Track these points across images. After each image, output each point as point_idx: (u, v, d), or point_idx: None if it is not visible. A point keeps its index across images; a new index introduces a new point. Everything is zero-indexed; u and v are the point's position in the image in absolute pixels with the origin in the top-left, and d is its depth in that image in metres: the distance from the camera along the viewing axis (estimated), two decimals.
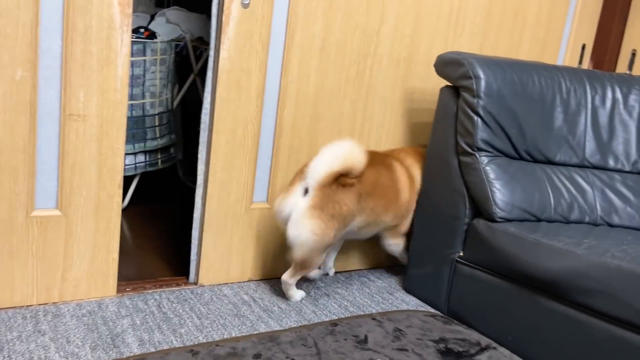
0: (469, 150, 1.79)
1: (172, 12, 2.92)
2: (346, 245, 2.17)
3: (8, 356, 1.36)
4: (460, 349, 1.65)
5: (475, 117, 1.77)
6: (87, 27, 1.53)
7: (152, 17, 3.02)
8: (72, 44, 1.52)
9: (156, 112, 2.58)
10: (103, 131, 1.61)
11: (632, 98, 1.94)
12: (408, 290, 2.06)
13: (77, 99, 1.56)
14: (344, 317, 1.80)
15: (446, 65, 1.86)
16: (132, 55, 2.42)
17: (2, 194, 1.51)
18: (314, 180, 1.66)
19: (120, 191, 1.68)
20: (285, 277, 1.82)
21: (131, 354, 1.44)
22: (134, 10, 3.15)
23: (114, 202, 1.68)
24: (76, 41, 1.52)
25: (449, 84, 1.91)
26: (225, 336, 1.59)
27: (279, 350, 1.53)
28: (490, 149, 1.78)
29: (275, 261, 2.03)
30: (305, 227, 1.66)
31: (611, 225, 1.83)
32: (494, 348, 1.67)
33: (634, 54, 2.53)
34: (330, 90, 1.98)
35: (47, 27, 1.49)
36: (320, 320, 1.76)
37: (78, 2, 1.50)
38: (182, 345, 1.51)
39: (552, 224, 1.75)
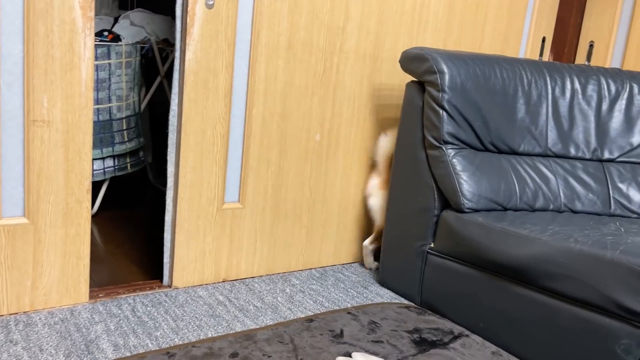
0: (436, 143, 1.82)
1: (136, 15, 2.89)
2: (319, 241, 2.20)
3: None
4: (434, 338, 1.69)
5: (441, 111, 1.81)
6: (48, 31, 1.51)
7: (116, 20, 2.98)
8: (34, 48, 1.50)
9: (123, 116, 2.56)
10: (69, 136, 1.59)
11: (590, 88, 2.00)
12: (382, 283, 2.10)
13: (41, 104, 1.53)
14: (319, 312, 1.82)
15: (411, 60, 1.89)
16: (97, 58, 2.38)
17: None
18: (378, 164, 2.19)
19: (89, 196, 1.66)
20: (367, 242, 2.22)
21: None
22: (97, 13, 3.11)
23: (83, 208, 1.66)
24: (38, 46, 1.50)
25: (414, 79, 1.94)
26: (201, 337, 1.59)
27: (256, 348, 1.54)
28: (456, 142, 1.82)
29: (249, 261, 2.04)
30: (378, 197, 2.17)
31: (574, 212, 1.89)
32: (467, 335, 1.71)
33: (591, 46, 2.62)
34: (298, 88, 1.99)
35: (7, 32, 1.46)
36: (296, 317, 1.77)
37: (38, 6, 1.48)
38: (157, 348, 1.51)
39: (518, 213, 1.80)
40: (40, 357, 1.41)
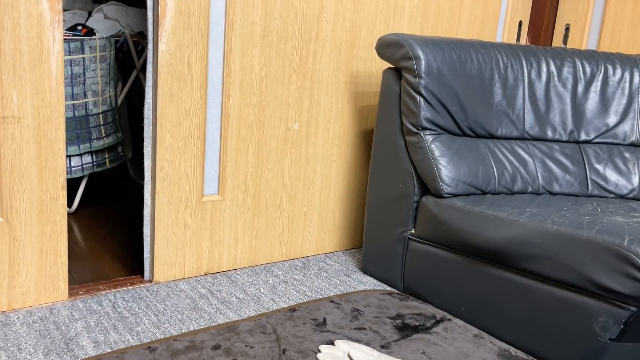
0: (414, 129, 1.82)
1: (110, 8, 2.84)
2: (301, 231, 2.19)
3: None
4: (417, 323, 1.70)
5: (418, 97, 1.80)
6: (15, 25, 1.47)
7: (90, 14, 2.93)
8: (1, 43, 1.46)
9: (100, 111, 2.52)
10: (41, 132, 1.56)
11: (566, 70, 2.01)
12: (365, 271, 2.10)
13: (11, 100, 1.50)
14: (302, 302, 1.82)
15: (387, 47, 1.89)
16: (71, 53, 2.34)
17: None
18: None
19: (64, 193, 1.64)
20: None
21: (86, 356, 1.42)
22: (71, 8, 3.05)
23: (59, 205, 1.63)
24: (5, 40, 1.47)
25: (391, 65, 1.94)
26: (183, 331, 1.58)
27: (238, 340, 1.54)
28: (434, 128, 1.83)
29: (231, 253, 2.03)
30: None
31: (552, 194, 1.91)
32: (449, 320, 1.73)
33: (567, 28, 2.63)
34: (274, 78, 1.98)
35: None
36: (279, 307, 1.77)
37: (4, 0, 1.44)
38: (139, 343, 1.50)
39: (497, 196, 1.81)
40: (18, 357, 1.39)
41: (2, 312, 1.60)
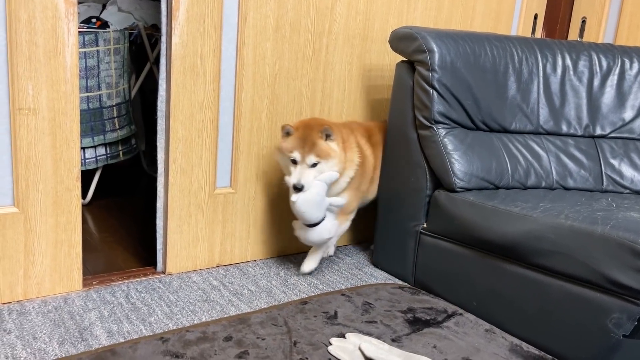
0: (427, 123, 1.81)
1: (124, 0, 2.85)
2: None
3: None
4: (428, 317, 1.70)
5: (431, 91, 1.79)
6: (31, 17, 1.49)
7: (104, 7, 2.95)
8: (17, 35, 1.48)
9: (114, 103, 2.54)
10: (56, 124, 1.58)
11: (581, 64, 1.99)
12: (376, 264, 2.10)
13: (26, 92, 1.52)
14: (313, 295, 1.83)
15: (400, 40, 1.87)
16: (85, 46, 2.36)
17: None
18: None
19: (79, 184, 1.65)
20: None
21: (100, 346, 1.44)
22: (85, 0, 3.07)
23: (73, 196, 1.65)
24: (20, 32, 1.48)
25: (404, 59, 1.92)
26: (195, 322, 1.60)
27: (250, 332, 1.55)
28: (447, 121, 1.81)
29: (243, 245, 2.04)
30: None
31: (566, 189, 1.89)
32: (460, 314, 1.72)
33: (584, 22, 2.59)
34: (287, 71, 1.97)
35: None
36: (290, 300, 1.78)
37: None
38: (151, 334, 1.51)
39: (510, 191, 1.80)
40: (34, 345, 1.41)
41: (17, 301, 1.62)
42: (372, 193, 2.07)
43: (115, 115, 2.55)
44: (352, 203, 1.93)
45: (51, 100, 1.55)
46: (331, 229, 1.86)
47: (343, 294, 1.82)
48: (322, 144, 1.74)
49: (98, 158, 2.53)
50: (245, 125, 1.93)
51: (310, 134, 1.74)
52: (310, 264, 1.98)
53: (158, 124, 1.80)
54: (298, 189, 1.72)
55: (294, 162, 1.75)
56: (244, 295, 1.79)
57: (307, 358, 1.43)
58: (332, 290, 1.88)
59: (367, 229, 2.34)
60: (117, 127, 2.56)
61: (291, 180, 1.74)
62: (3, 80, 1.49)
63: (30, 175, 1.57)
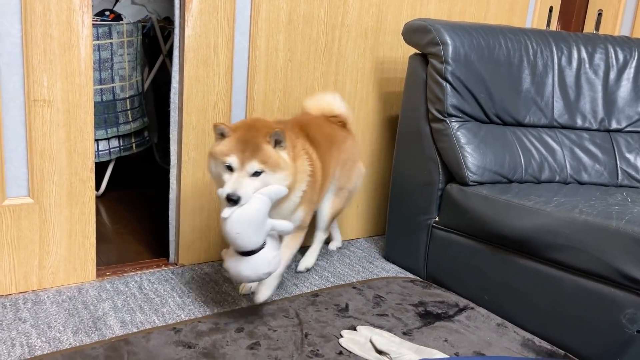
0: (440, 116, 1.80)
1: None
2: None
3: None
4: (439, 311, 1.69)
5: (444, 83, 1.78)
6: (46, 10, 1.50)
7: None
8: (32, 27, 1.49)
9: (127, 96, 2.55)
10: (70, 116, 1.59)
11: (597, 57, 1.96)
12: (387, 258, 2.10)
13: (41, 84, 1.53)
14: (324, 287, 1.83)
15: (414, 32, 1.86)
16: (99, 38, 2.37)
17: None
18: None
19: (93, 175, 1.67)
20: None
21: (113, 336, 1.45)
22: None
23: (87, 187, 1.67)
24: (36, 25, 1.49)
25: (417, 51, 1.91)
26: (207, 313, 1.61)
27: (262, 323, 1.56)
28: (460, 114, 1.80)
29: None
30: None
31: (581, 183, 1.87)
32: (472, 308, 1.72)
33: (600, 14, 2.56)
34: (299, 63, 1.97)
35: (4, 12, 1.45)
36: (301, 292, 1.78)
37: None
38: (164, 324, 1.53)
39: (523, 185, 1.79)
40: (48, 334, 1.43)
41: (32, 290, 1.64)
42: (320, 202, 1.81)
43: (128, 107, 2.56)
44: (307, 218, 1.65)
45: (66, 92, 1.57)
46: (272, 261, 1.44)
47: (354, 287, 1.83)
48: (269, 150, 1.41)
49: (111, 150, 2.55)
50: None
51: (253, 137, 1.41)
52: (265, 291, 1.61)
53: (171, 116, 1.81)
54: (233, 200, 1.35)
55: (230, 168, 1.40)
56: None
57: (318, 350, 1.44)
58: (343, 283, 1.88)
59: (379, 223, 2.34)
60: (130, 119, 2.58)
61: (224, 190, 1.37)
62: (18, 72, 1.50)
63: (45, 167, 1.58)
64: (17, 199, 1.57)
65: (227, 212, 1.37)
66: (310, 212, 1.67)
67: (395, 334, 1.52)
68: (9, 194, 1.56)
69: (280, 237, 1.58)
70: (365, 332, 1.52)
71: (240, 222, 1.37)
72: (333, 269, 1.99)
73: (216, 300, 1.69)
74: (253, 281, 1.51)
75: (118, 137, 2.56)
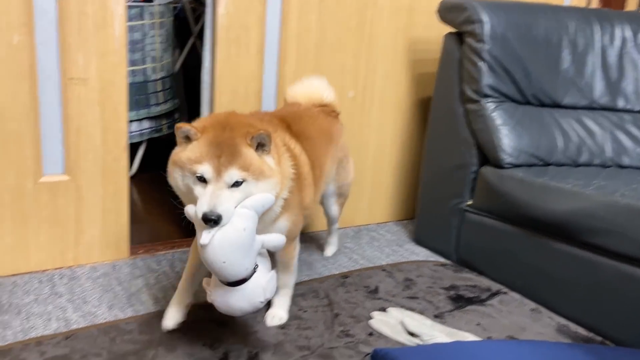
0: (475, 97, 1.76)
1: None
2: (353, 200, 2.18)
3: (26, 318, 1.39)
4: (471, 295, 1.67)
5: (481, 63, 1.73)
6: None
7: None
8: (67, 5, 1.50)
9: (158, 77, 2.56)
10: (105, 94, 1.60)
11: None
12: (418, 241, 2.07)
13: (76, 62, 1.54)
14: (354, 269, 1.82)
15: (449, 10, 1.82)
16: (130, 19, 2.38)
17: (10, 161, 1.52)
18: None
19: (126, 154, 1.68)
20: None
21: (147, 312, 1.47)
22: None
23: (121, 166, 1.68)
24: (71, 3, 1.50)
25: (452, 30, 1.87)
26: None
27: (292, 303, 1.56)
28: (496, 95, 1.76)
29: None
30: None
31: (621, 167, 1.81)
32: (505, 293, 1.69)
33: None
34: (331, 44, 1.94)
35: None
36: (330, 274, 1.77)
37: None
38: (195, 302, 1.54)
39: (561, 168, 1.73)
40: (84, 309, 1.46)
41: (68, 267, 1.68)
42: (315, 203, 1.53)
43: (159, 89, 2.58)
44: (298, 225, 1.39)
45: (100, 71, 1.58)
46: (267, 286, 1.17)
47: (384, 270, 1.81)
48: (251, 154, 1.14)
49: (142, 131, 2.57)
50: None
51: (230, 138, 1.14)
52: (280, 313, 1.45)
53: (202, 96, 1.81)
54: (212, 221, 1.08)
55: (202, 180, 1.12)
56: None
57: (348, 330, 1.43)
58: (372, 265, 1.86)
59: (408, 207, 2.31)
60: (162, 100, 2.60)
61: (199, 208, 1.09)
62: (54, 50, 1.51)
63: (80, 145, 1.60)
64: (53, 176, 1.60)
65: (206, 237, 1.08)
66: (301, 217, 1.39)
67: (426, 317, 1.50)
68: (46, 171, 1.58)
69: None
70: (395, 314, 1.51)
71: (225, 249, 1.09)
72: (362, 252, 1.97)
73: None
74: (249, 313, 1.20)
75: (149, 118, 2.59)
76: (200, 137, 1.15)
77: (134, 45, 2.43)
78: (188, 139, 1.17)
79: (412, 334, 1.40)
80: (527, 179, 1.62)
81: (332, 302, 1.58)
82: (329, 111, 1.65)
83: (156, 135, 2.63)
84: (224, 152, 1.12)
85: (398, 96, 2.15)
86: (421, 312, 1.54)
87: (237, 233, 1.10)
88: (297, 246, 1.45)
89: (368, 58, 2.04)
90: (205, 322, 1.42)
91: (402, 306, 1.57)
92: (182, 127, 1.16)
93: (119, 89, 1.61)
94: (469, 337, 1.40)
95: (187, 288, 1.38)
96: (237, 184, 1.12)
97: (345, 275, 1.75)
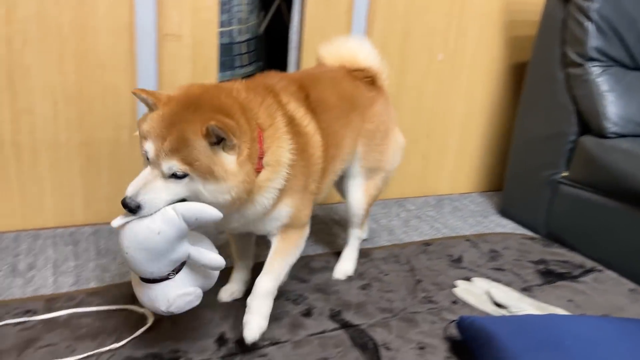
0: (579, 60, 1.63)
1: None
2: (436, 168, 2.11)
3: (122, 262, 1.46)
4: (562, 271, 1.58)
5: (588, 23, 1.60)
6: None
7: None
8: None
9: (243, 39, 2.58)
10: (197, 52, 1.63)
11: None
12: (503, 214, 1.99)
13: (172, 19, 1.57)
14: (436, 237, 1.78)
15: None
16: None
17: (107, 114, 1.59)
18: None
19: None
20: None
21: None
22: None
23: None
24: None
25: None
26: (318, 252, 1.62)
27: (373, 266, 1.55)
28: (603, 59, 1.62)
29: None
30: None
31: None
32: (600, 270, 1.59)
33: None
34: (420, 5, 1.86)
35: None
36: (412, 241, 1.74)
37: None
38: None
39: None
40: None
41: None
42: (327, 187, 1.30)
43: (244, 51, 2.60)
44: (303, 210, 1.18)
45: (193, 28, 1.60)
46: (174, 301, 1.03)
47: (468, 240, 1.76)
48: (201, 147, 0.95)
49: None
50: None
51: (184, 120, 0.95)
52: (255, 325, 1.13)
53: (290, 56, 1.81)
54: (129, 208, 0.95)
55: (147, 158, 0.98)
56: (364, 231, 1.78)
57: (432, 297, 1.40)
58: (455, 235, 1.81)
59: (495, 177, 2.21)
60: (246, 63, 2.62)
61: (127, 189, 0.96)
62: (151, 7, 1.55)
63: None
64: None
65: (117, 220, 0.97)
66: (307, 202, 1.18)
67: (513, 289, 1.44)
68: None
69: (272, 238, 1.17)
70: (481, 284, 1.46)
71: (131, 242, 0.97)
72: (444, 221, 1.92)
73: (326, 240, 1.70)
74: (155, 312, 1.07)
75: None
76: (159, 108, 0.97)
77: (222, 7, 2.44)
78: (150, 107, 1.00)
79: (498, 305, 1.36)
80: (634, 150, 1.50)
81: (414, 268, 1.55)
82: (361, 76, 1.40)
83: None
84: (171, 136, 0.94)
85: (490, 60, 2.04)
86: (508, 284, 1.48)
87: (148, 233, 0.95)
88: (303, 234, 1.20)
89: (459, 19, 1.94)
90: (287, 278, 1.44)
91: (488, 277, 1.51)
92: (140, 94, 0.98)
93: (210, 46, 1.64)
94: (561, 312, 1.33)
95: (240, 266, 1.35)
96: (176, 177, 0.95)
97: (427, 243, 1.71)
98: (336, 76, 1.35)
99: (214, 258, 1.03)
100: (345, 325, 1.26)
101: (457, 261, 1.61)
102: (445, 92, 2.01)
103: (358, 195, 1.43)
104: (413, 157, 2.06)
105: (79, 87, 1.53)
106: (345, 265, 1.49)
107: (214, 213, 0.98)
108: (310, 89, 1.23)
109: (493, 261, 1.62)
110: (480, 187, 2.22)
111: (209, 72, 1.66)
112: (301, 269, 1.48)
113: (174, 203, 0.97)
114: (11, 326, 1.16)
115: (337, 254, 1.58)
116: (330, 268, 1.49)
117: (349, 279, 1.46)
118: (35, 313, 1.21)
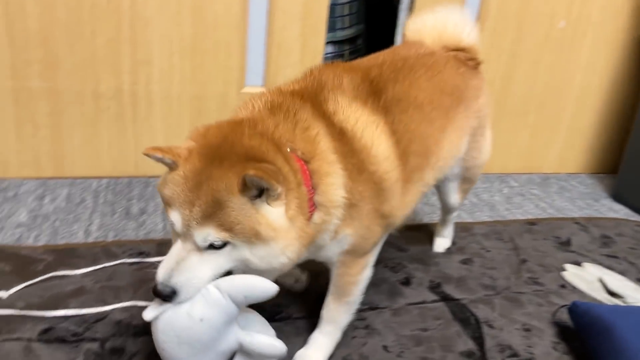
0: None
1: None
2: (544, 144, 1.99)
3: None
4: None
5: None
6: None
7: None
8: None
9: (345, 1, 2.53)
10: (307, 9, 1.61)
11: None
12: (617, 198, 1.85)
13: None
14: (541, 217, 1.69)
15: None
16: None
17: (218, 69, 1.61)
18: None
19: None
20: None
21: None
22: None
23: None
24: None
25: None
26: (416, 223, 1.59)
27: (474, 241, 1.49)
28: None
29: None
30: None
31: None
32: None
33: None
34: None
35: None
36: (515, 218, 1.66)
37: None
38: None
39: None
40: None
41: None
42: (408, 208, 1.05)
43: (345, 13, 2.54)
44: (370, 238, 0.97)
45: None
46: None
47: (577, 222, 1.65)
48: (240, 206, 0.77)
49: (325, 56, 2.58)
50: (489, 25, 1.76)
51: (212, 179, 0.78)
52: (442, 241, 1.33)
53: (399, 18, 1.74)
54: (163, 296, 0.79)
55: (175, 231, 0.82)
56: (465, 205, 1.72)
57: (537, 278, 1.33)
58: (563, 216, 1.71)
59: (608, 159, 2.05)
60: (347, 25, 2.57)
61: (157, 273, 0.81)
62: None
63: (280, 59, 1.65)
64: (253, 87, 1.67)
65: (150, 312, 0.81)
66: (376, 229, 0.97)
67: (628, 279, 1.34)
68: (248, 82, 1.66)
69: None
70: (592, 270, 1.37)
71: (167, 335, 0.81)
72: (551, 201, 1.81)
73: (424, 211, 1.66)
74: None
75: (333, 42, 2.58)
76: (180, 167, 0.80)
77: None
78: (170, 167, 0.83)
79: (612, 294, 1.27)
80: None
81: (518, 247, 1.48)
82: (464, 58, 1.15)
83: (337, 60, 2.63)
84: (200, 199, 0.77)
85: (617, 30, 1.86)
86: (622, 273, 1.38)
87: (188, 322, 0.79)
88: (367, 267, 1.00)
89: None
90: (385, 245, 1.42)
91: (600, 263, 1.42)
92: (153, 153, 0.80)
93: (320, 4, 1.61)
94: None
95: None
96: (214, 247, 0.78)
97: (532, 222, 1.63)
98: (437, 61, 1.09)
99: (271, 344, 0.85)
100: (446, 298, 1.23)
101: (565, 244, 1.52)
102: (564, 62, 1.87)
103: (453, 197, 1.31)
104: (520, 131, 1.94)
105: (193, 41, 1.56)
106: (444, 241, 1.44)
107: (268, 287, 0.80)
108: (388, 82, 0.99)
109: (605, 247, 1.51)
110: (591, 168, 2.07)
111: (317, 31, 1.64)
112: (399, 238, 1.45)
113: (216, 279, 0.80)
114: (127, 265, 1.24)
115: (434, 225, 1.54)
116: (428, 239, 1.46)
117: (448, 251, 1.42)
118: (148, 255, 1.28)
